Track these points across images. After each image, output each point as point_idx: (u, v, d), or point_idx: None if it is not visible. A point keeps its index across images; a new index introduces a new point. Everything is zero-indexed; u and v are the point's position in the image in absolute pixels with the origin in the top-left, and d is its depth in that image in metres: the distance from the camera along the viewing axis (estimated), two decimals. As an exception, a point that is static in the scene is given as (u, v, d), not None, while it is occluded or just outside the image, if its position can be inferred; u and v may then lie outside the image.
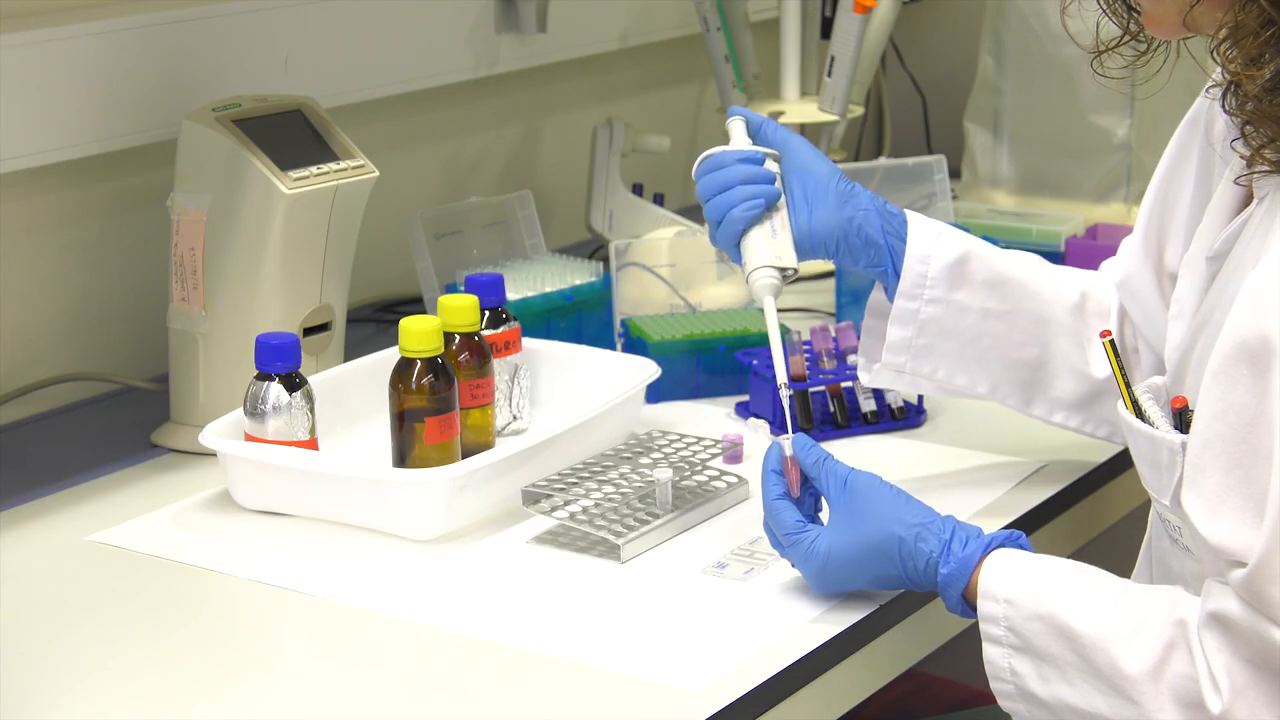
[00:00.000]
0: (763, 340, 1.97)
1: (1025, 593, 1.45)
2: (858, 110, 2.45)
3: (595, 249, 2.47)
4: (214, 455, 1.72)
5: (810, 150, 1.69)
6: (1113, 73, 1.51)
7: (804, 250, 1.66)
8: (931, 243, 1.70)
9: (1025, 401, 1.75)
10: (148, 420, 1.94)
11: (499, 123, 2.54)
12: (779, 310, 1.62)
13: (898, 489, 1.53)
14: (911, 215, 1.72)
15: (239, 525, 1.69)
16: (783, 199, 1.66)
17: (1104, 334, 1.53)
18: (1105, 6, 1.51)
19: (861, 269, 1.71)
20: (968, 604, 1.49)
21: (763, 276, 1.63)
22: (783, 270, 1.63)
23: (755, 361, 1.91)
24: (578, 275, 2.11)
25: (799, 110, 2.44)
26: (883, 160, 2.36)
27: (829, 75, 2.38)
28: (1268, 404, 1.29)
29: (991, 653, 1.46)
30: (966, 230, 1.76)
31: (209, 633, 1.53)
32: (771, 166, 1.66)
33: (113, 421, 1.97)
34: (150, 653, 1.48)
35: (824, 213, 1.66)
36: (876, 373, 1.74)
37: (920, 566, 1.49)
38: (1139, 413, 1.48)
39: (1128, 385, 1.50)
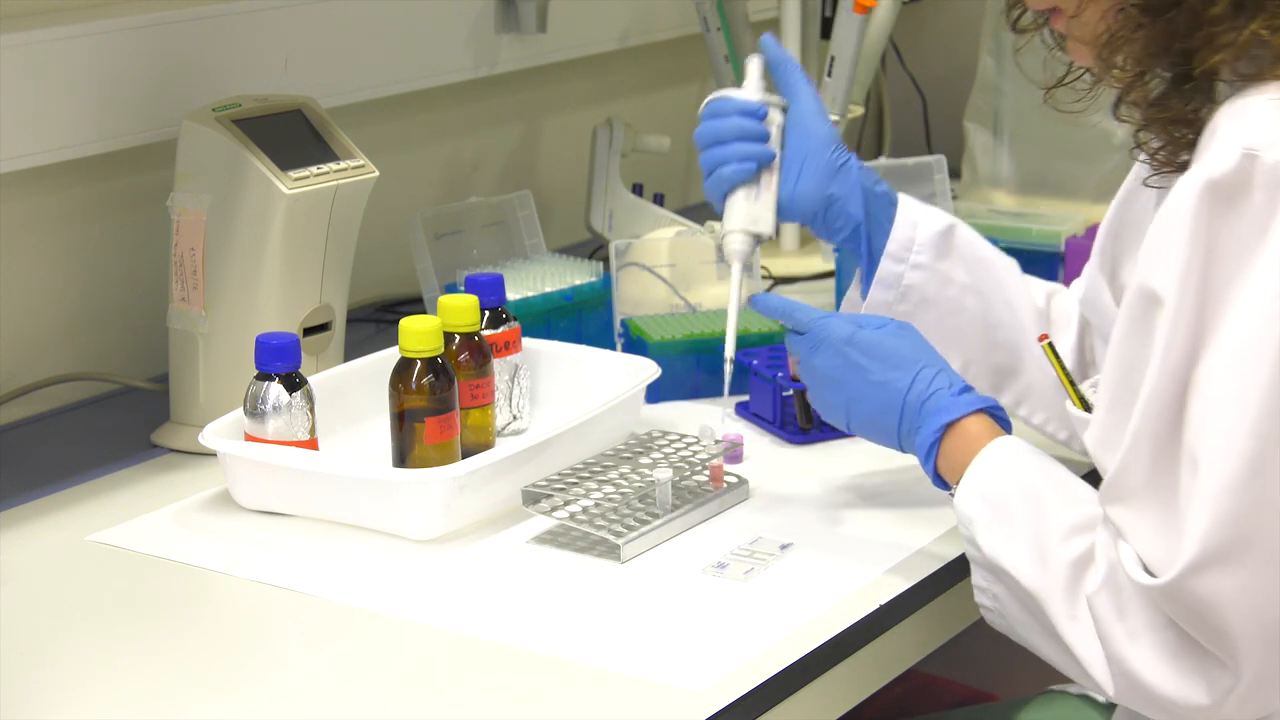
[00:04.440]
0: (763, 340, 1.97)
1: (1017, 468, 1.50)
2: (858, 110, 2.45)
3: (595, 249, 2.47)
4: (214, 455, 1.72)
5: (815, 106, 1.70)
6: (1072, 106, 1.53)
7: (784, 215, 1.70)
8: (920, 212, 1.74)
9: (994, 387, 1.77)
10: (148, 420, 1.94)
11: (499, 123, 2.54)
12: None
13: None
14: (902, 195, 1.75)
15: (239, 525, 1.69)
16: (776, 159, 1.67)
17: (1042, 337, 1.58)
18: (1046, 41, 1.54)
19: (837, 244, 1.74)
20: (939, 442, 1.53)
21: (735, 241, 1.68)
22: (757, 235, 1.65)
23: (755, 361, 1.91)
24: (578, 275, 2.11)
25: (799, 110, 2.43)
26: (883, 160, 2.36)
27: (829, 75, 2.38)
28: (1145, 348, 1.35)
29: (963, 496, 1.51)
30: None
31: (209, 633, 1.53)
32: (775, 117, 1.67)
33: (113, 421, 1.97)
34: (150, 653, 1.48)
35: (810, 182, 1.69)
36: None
37: (926, 384, 1.54)
38: (1087, 408, 1.51)
39: (1073, 383, 1.55)
